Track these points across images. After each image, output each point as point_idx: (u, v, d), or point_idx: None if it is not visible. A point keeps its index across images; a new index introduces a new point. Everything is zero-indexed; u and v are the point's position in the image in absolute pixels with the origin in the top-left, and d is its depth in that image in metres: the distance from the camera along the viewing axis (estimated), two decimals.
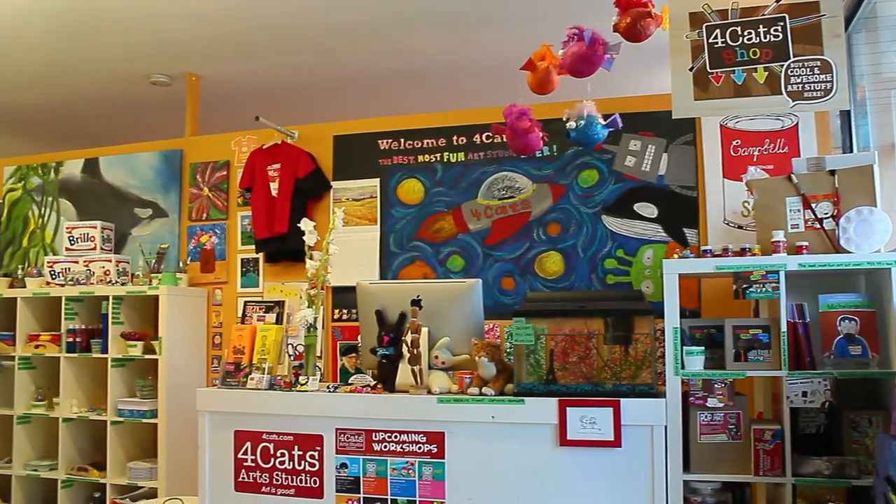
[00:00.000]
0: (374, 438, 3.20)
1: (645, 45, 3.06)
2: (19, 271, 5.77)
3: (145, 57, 5.47)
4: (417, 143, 4.94)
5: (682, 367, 3.10)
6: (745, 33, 3.21)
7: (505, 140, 3.33)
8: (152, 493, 4.86)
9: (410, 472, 3.15)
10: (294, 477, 3.32)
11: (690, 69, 3.26)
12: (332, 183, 5.09)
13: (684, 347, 3.12)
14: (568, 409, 2.96)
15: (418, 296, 3.23)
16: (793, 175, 3.27)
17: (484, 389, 3.11)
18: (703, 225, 4.39)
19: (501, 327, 4.59)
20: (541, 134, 3.25)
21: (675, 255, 3.33)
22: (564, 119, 3.13)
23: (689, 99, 3.27)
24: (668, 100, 3.30)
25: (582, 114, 3.09)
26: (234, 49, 5.32)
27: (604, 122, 3.09)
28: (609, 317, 3.11)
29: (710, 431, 3.12)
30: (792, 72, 3.15)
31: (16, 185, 6.22)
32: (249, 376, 3.44)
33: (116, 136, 6.68)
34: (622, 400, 2.92)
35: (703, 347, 3.17)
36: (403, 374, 3.24)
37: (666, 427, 2.94)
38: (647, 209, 4.48)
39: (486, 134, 4.76)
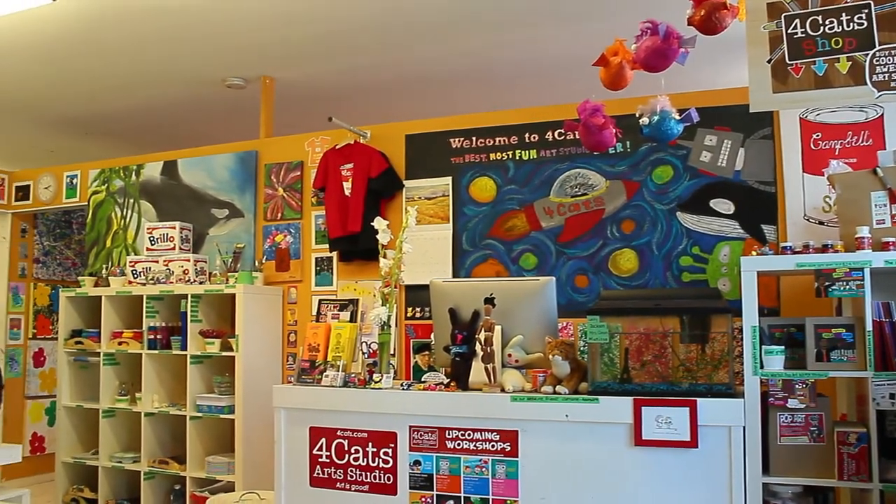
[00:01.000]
0: (447, 436, 3.21)
1: (720, 37, 3.00)
2: (103, 270, 5.96)
3: (221, 61, 5.58)
4: (489, 141, 4.93)
5: (762, 367, 3.03)
6: (827, 22, 3.11)
7: (578, 137, 3.29)
8: (230, 487, 4.96)
9: (484, 469, 3.14)
10: (368, 473, 3.35)
11: (769, 61, 3.18)
12: (404, 182, 5.12)
13: (763, 347, 3.05)
14: (643, 408, 2.92)
15: (491, 294, 3.23)
16: (878, 168, 3.16)
17: (558, 388, 3.09)
18: (782, 221, 4.27)
19: (575, 325, 4.55)
20: (614, 130, 3.21)
21: (754, 253, 3.25)
22: (638, 115, 3.09)
23: (767, 92, 3.19)
24: (744, 93, 3.22)
25: (655, 109, 3.04)
26: (307, 51, 5.39)
27: (678, 117, 3.04)
28: (685, 315, 3.06)
29: (791, 433, 3.04)
30: (877, 61, 3.04)
31: (100, 188, 6.42)
32: (324, 373, 3.48)
33: (194, 138, 6.84)
34: (699, 400, 2.87)
35: (783, 347, 3.09)
36: (477, 372, 3.24)
37: (744, 428, 2.88)
38: (724, 205, 4.39)
39: (559, 131, 4.73)
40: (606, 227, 4.60)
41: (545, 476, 3.06)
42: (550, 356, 3.10)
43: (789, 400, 3.00)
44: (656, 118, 3.03)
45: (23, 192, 7.02)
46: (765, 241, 4.26)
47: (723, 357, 2.97)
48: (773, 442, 3.04)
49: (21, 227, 7.28)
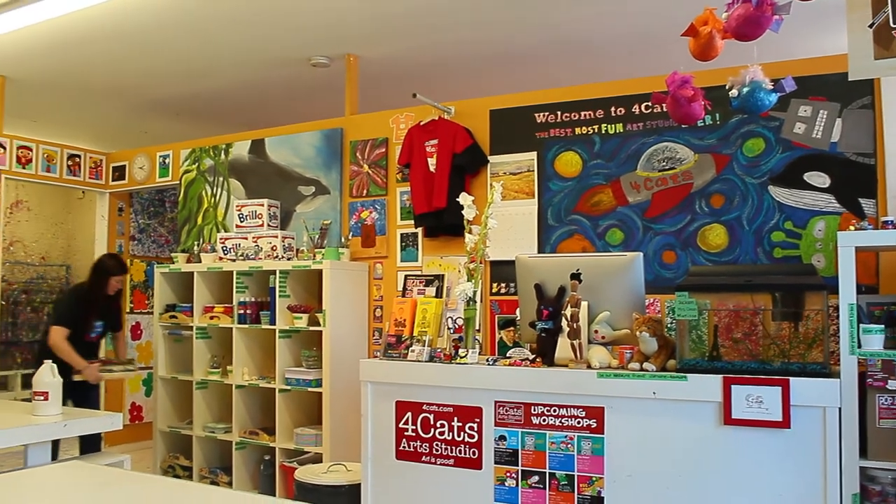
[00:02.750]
0: (532, 412, 3.21)
1: (817, 2, 2.89)
2: (195, 247, 6.12)
3: (306, 40, 5.64)
4: (574, 116, 4.86)
5: (859, 347, 2.92)
6: None
7: (666, 109, 3.22)
8: (317, 459, 5.06)
9: (569, 446, 3.14)
10: (453, 447, 3.37)
11: (870, 25, 3.04)
12: (488, 157, 5.11)
13: (861, 325, 2.94)
14: (733, 386, 2.87)
15: (578, 269, 3.21)
16: None
17: (645, 365, 3.05)
18: (882, 194, 4.10)
19: (662, 302, 4.48)
20: (703, 102, 3.13)
21: (851, 227, 3.13)
22: (728, 87, 3.01)
23: (868, 58, 3.05)
24: (842, 61, 3.10)
25: (745, 80, 2.95)
26: (390, 28, 5.40)
27: (770, 88, 2.94)
28: (778, 292, 2.98)
29: (891, 416, 2.93)
30: None
31: (190, 167, 6.59)
32: (410, 348, 3.51)
33: (280, 117, 6.95)
34: (792, 379, 2.80)
35: (882, 326, 2.97)
36: (563, 348, 3.23)
37: (840, 409, 2.80)
38: (819, 178, 4.24)
39: (646, 104, 4.64)
40: (695, 202, 4.50)
41: (631, 453, 3.04)
42: (638, 332, 3.07)
43: (889, 381, 2.89)
44: (746, 89, 2.95)
45: (119, 173, 7.27)
46: (863, 216, 4.10)
47: (817, 335, 2.88)
48: (871, 424, 2.93)
49: (118, 205, 7.55)
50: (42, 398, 4.08)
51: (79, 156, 7.13)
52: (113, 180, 7.34)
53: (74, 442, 5.17)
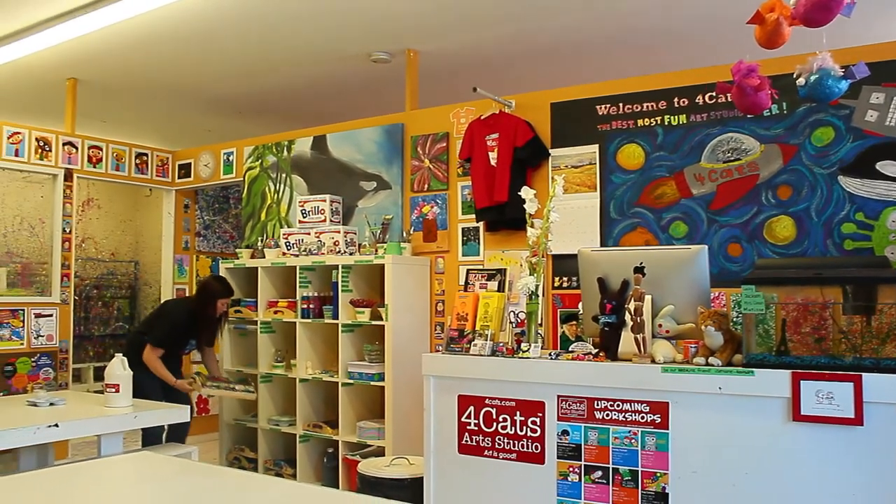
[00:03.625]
0: (595, 406, 3.18)
1: None
2: (259, 243, 6.22)
3: (366, 36, 5.68)
4: (637, 107, 4.81)
5: None
6: None
7: (730, 99, 3.16)
8: (380, 452, 5.10)
9: (633, 441, 3.10)
10: (516, 442, 3.36)
11: None
12: (550, 150, 5.07)
13: None
14: (802, 382, 2.80)
15: (641, 263, 3.16)
16: None
17: (710, 359, 3.00)
18: None
19: (727, 295, 4.40)
20: (770, 91, 3.06)
21: None
22: (795, 75, 2.93)
23: None
24: None
25: (813, 68, 2.87)
26: (450, 23, 5.40)
27: (839, 75, 2.86)
28: (849, 285, 2.90)
29: None
30: None
31: (254, 164, 6.68)
32: (472, 342, 3.51)
33: (341, 113, 7.01)
34: (865, 375, 2.72)
35: None
36: (626, 342, 3.19)
37: None
38: (893, 168, 4.12)
39: (710, 94, 4.56)
40: (761, 193, 4.41)
41: (697, 449, 2.99)
42: (703, 326, 3.01)
43: None
44: (814, 77, 2.87)
45: (185, 170, 7.41)
46: None
47: (891, 330, 2.80)
48: None
49: (184, 202, 7.70)
50: (113, 390, 4.19)
51: (146, 154, 7.29)
52: (179, 178, 7.48)
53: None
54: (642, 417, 3.09)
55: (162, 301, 7.34)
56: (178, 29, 5.45)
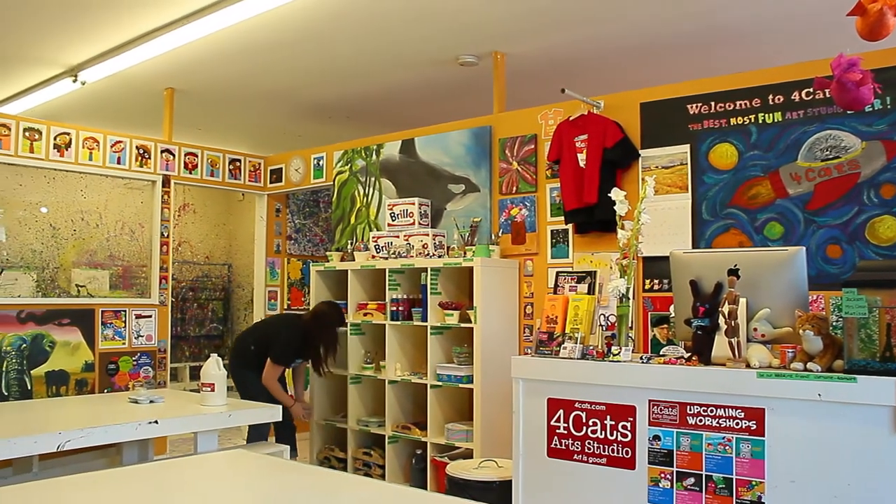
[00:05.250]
0: (688, 412, 3.12)
1: None
2: (349, 246, 6.30)
3: (453, 40, 5.70)
4: (729, 106, 4.69)
5: None
6: None
7: (829, 95, 3.05)
8: (468, 454, 5.10)
9: (727, 448, 3.03)
10: (606, 446, 3.32)
11: None
12: (640, 151, 5.00)
13: None
14: None
15: (735, 265, 3.09)
16: None
17: (809, 365, 2.91)
18: None
19: (826, 298, 4.25)
20: (872, 86, 2.95)
21: None
22: None
23: None
24: None
25: None
26: (537, 25, 5.38)
27: None
28: None
29: None
30: None
31: (343, 168, 6.78)
32: (562, 345, 3.48)
33: (429, 117, 7.05)
34: None
35: None
36: (720, 346, 3.12)
37: None
38: None
39: (807, 90, 4.41)
40: (862, 193, 4.25)
41: (795, 458, 2.90)
42: (801, 331, 2.92)
43: None
44: None
45: (276, 175, 7.56)
46: None
47: None
48: None
49: (275, 206, 7.86)
50: (209, 389, 4.30)
51: (239, 160, 7.47)
52: (270, 182, 7.65)
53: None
54: (737, 424, 3.01)
55: (258, 308, 7.55)
56: (271, 38, 5.58)
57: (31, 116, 6.41)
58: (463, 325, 5.24)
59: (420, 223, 5.83)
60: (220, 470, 2.76)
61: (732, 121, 4.67)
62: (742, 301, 3.07)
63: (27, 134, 5.96)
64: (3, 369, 5.67)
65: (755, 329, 3.13)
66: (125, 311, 6.40)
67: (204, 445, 4.23)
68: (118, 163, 6.49)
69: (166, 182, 6.83)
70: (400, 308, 5.61)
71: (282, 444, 5.10)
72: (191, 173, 7.04)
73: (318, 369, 5.73)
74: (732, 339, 3.04)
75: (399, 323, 5.60)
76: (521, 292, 5.48)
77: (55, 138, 6.12)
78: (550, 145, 5.28)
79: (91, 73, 6.32)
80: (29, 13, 5.19)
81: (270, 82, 6.71)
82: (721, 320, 3.08)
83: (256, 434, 5.38)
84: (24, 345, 5.78)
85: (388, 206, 6.01)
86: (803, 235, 4.39)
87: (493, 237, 5.57)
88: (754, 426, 2.98)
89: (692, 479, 3.09)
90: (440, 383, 5.30)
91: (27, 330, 5.82)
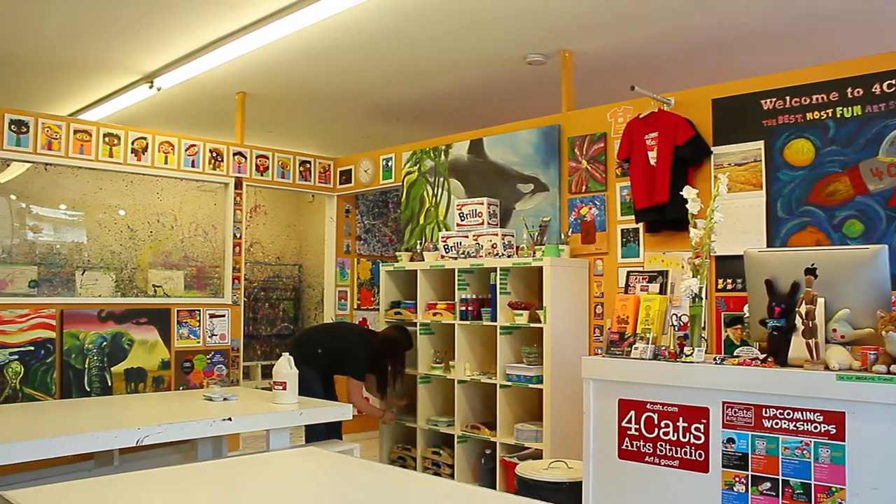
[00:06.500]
0: (764, 414, 3.04)
1: None
2: (418, 246, 6.32)
3: (521, 39, 5.67)
4: (805, 100, 4.57)
5: None
6: None
7: None
8: (538, 455, 5.07)
9: (805, 452, 2.95)
10: (678, 448, 3.27)
11: None
12: (712, 148, 4.90)
13: None
14: None
15: (813, 264, 3.01)
16: None
17: (893, 368, 2.81)
18: None
19: None
20: None
21: None
22: None
23: None
24: None
25: None
26: (605, 22, 5.32)
27: None
28: None
29: None
30: None
31: (412, 169, 6.80)
32: (633, 346, 3.44)
33: (497, 116, 7.03)
34: None
35: None
36: (797, 347, 3.04)
37: None
38: None
39: (888, 82, 4.27)
40: None
41: (878, 464, 2.80)
42: (884, 332, 2.83)
43: None
44: None
45: (345, 176, 7.64)
46: None
47: None
48: None
49: (345, 207, 7.94)
50: (281, 388, 4.37)
51: (309, 162, 7.57)
52: (340, 184, 7.72)
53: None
54: (815, 427, 2.93)
55: (330, 317, 7.67)
56: (339, 41, 5.63)
57: (109, 123, 6.60)
58: (532, 324, 5.21)
59: (489, 223, 5.82)
60: (294, 467, 2.80)
61: (809, 115, 4.54)
62: (820, 301, 2.99)
63: (106, 139, 6.14)
64: (86, 366, 5.85)
65: (834, 330, 3.04)
66: (199, 310, 6.54)
67: (276, 443, 4.30)
68: (192, 166, 6.63)
69: (238, 184, 6.95)
70: (469, 308, 5.61)
71: (333, 435, 5.22)
72: (262, 175, 7.15)
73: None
74: (810, 340, 2.96)
75: (468, 323, 5.60)
76: (591, 292, 5.43)
77: (133, 143, 6.29)
78: (620, 143, 5.22)
79: (166, 79, 6.49)
80: (107, 23, 5.35)
81: (340, 84, 6.77)
82: (798, 321, 3.00)
83: (312, 432, 5.43)
84: (105, 343, 5.96)
85: (457, 206, 6.01)
86: (885, 233, 4.25)
87: (562, 237, 5.53)
88: (834, 430, 2.89)
89: (768, 484, 3.02)
90: (509, 383, 5.29)
91: (107, 328, 5.99)
